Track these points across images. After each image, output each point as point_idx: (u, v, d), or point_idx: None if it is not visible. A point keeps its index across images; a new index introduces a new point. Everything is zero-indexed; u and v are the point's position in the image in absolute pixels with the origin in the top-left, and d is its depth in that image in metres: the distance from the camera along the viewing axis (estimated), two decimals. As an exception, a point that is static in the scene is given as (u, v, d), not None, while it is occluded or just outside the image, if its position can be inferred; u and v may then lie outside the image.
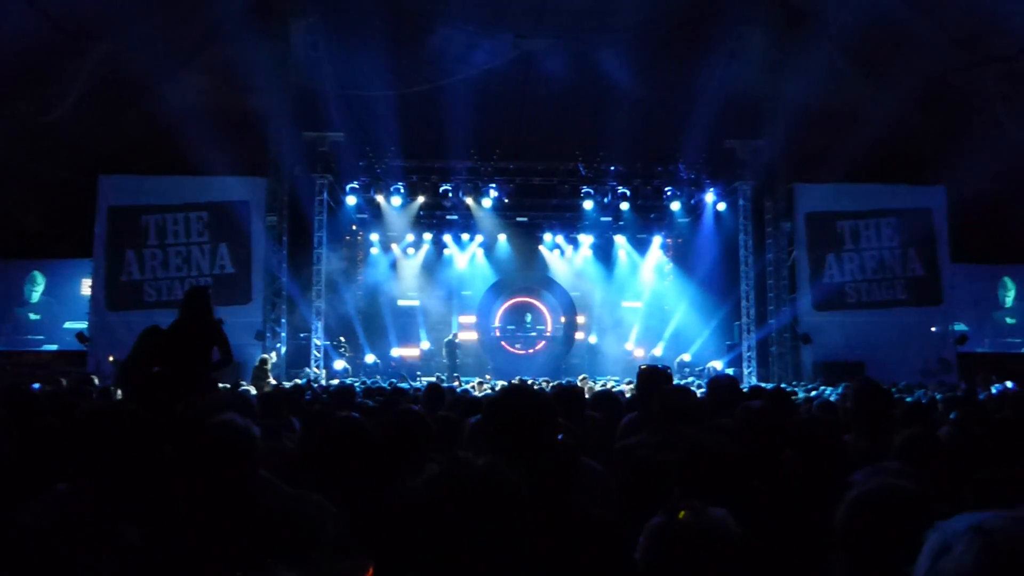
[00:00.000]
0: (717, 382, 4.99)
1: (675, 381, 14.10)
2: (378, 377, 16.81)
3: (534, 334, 22.65)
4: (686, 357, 19.93)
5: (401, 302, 22.07)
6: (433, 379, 15.04)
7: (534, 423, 2.38)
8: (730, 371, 17.88)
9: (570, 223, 21.75)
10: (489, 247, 22.22)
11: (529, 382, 11.37)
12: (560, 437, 2.92)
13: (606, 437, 4.02)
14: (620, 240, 22.34)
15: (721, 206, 19.34)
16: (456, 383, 12.80)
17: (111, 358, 15.03)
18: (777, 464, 3.17)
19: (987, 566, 1.09)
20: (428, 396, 6.16)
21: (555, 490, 2.27)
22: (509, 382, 4.09)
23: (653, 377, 4.32)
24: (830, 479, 2.43)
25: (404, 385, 12.25)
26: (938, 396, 8.26)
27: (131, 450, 2.54)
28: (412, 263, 22.12)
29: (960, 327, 18.66)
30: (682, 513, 1.81)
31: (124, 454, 2.51)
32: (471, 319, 22.66)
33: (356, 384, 13.22)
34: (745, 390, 7.09)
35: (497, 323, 22.89)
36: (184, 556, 2.25)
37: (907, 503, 1.83)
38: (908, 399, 8.36)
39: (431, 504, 1.68)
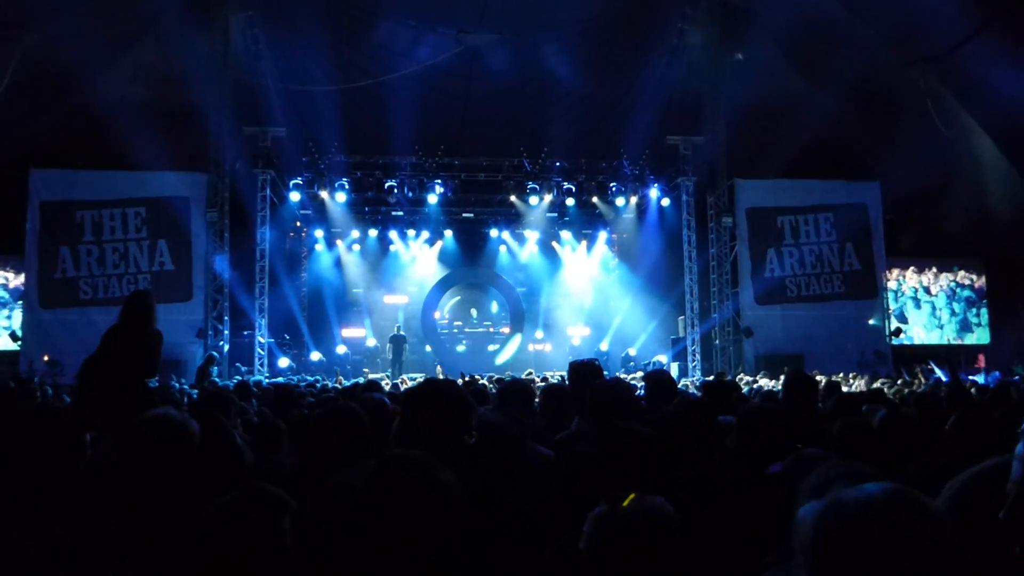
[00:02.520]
0: (652, 377, 5.11)
1: (621, 375, 14.23)
2: (323, 375, 16.66)
3: (481, 330, 22.63)
4: (632, 351, 20.09)
5: (345, 299, 21.98)
6: (379, 376, 15.04)
7: (447, 416, 2.45)
8: (675, 365, 18.24)
9: (516, 219, 21.80)
10: (435, 243, 22.21)
11: (477, 378, 11.42)
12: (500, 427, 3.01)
13: (556, 428, 4.09)
14: (566, 236, 22.49)
15: (665, 202, 19.54)
16: (401, 382, 12.68)
17: (45, 357, 14.68)
18: (709, 455, 3.30)
19: (816, 539, 1.21)
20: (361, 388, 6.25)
21: (481, 481, 2.32)
22: (439, 379, 4.12)
23: (583, 372, 4.38)
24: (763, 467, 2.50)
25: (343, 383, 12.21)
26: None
27: (59, 451, 2.52)
28: (357, 259, 22.03)
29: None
30: (626, 501, 1.86)
31: (52, 455, 2.50)
32: (417, 315, 22.60)
33: (297, 380, 13.14)
34: (682, 387, 7.10)
35: (444, 319, 22.85)
36: (111, 557, 2.26)
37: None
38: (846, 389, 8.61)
39: (368, 499, 1.76)
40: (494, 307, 23.28)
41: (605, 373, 4.82)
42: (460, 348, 22.23)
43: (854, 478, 1.77)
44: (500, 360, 21.56)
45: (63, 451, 2.53)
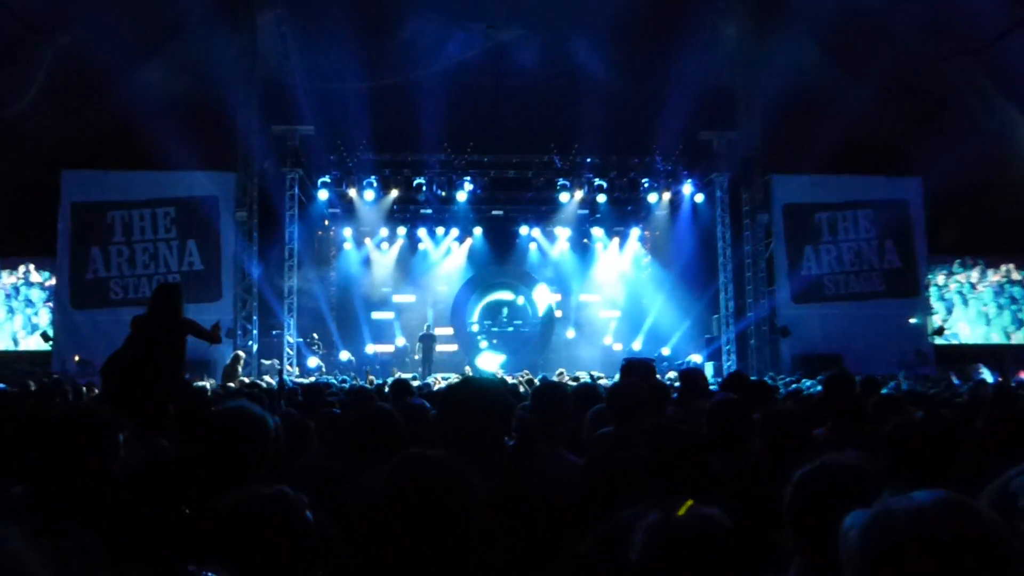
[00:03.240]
0: (686, 374, 5.19)
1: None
2: (352, 375, 16.76)
3: (511, 329, 22.68)
4: (665, 351, 20.00)
5: (375, 298, 22.08)
6: (409, 376, 15.09)
7: (484, 416, 2.43)
8: (709, 365, 18.11)
9: (546, 216, 21.79)
10: (464, 241, 22.25)
11: (508, 378, 11.44)
12: (522, 430, 3.11)
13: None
14: (598, 233, 22.43)
15: (699, 198, 19.42)
16: (435, 381, 12.70)
17: (76, 358, 14.91)
18: (742, 456, 3.29)
19: (865, 552, 1.19)
20: (394, 392, 6.20)
21: (512, 483, 2.33)
22: (479, 377, 4.13)
23: (636, 371, 4.32)
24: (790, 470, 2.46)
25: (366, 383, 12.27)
26: (910, 388, 8.34)
27: (93, 454, 2.49)
28: (386, 258, 22.10)
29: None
30: (682, 509, 1.83)
31: (86, 458, 2.46)
32: (447, 314, 22.67)
33: (332, 380, 13.23)
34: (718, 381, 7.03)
35: (474, 319, 22.90)
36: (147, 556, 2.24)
37: (850, 478, 1.92)
38: (884, 391, 8.52)
39: (384, 498, 1.77)
40: (524, 307, 23.21)
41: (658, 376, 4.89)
42: (483, 346, 22.31)
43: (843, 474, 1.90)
44: (531, 360, 21.45)
45: (96, 453, 2.49)
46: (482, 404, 2.48)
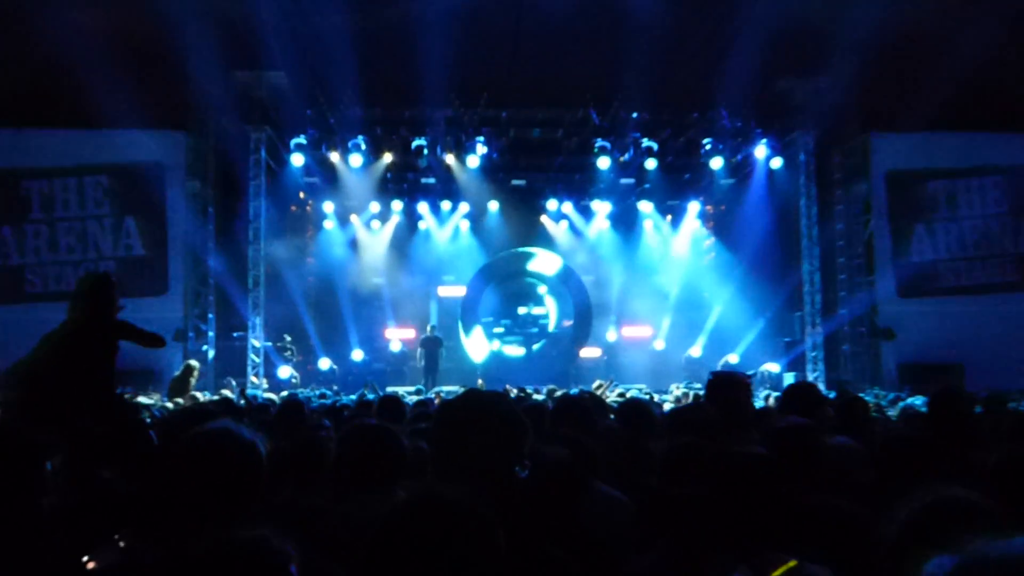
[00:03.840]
0: (793, 391, 5.26)
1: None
2: (334, 388, 16.87)
3: (535, 330, 22.83)
4: (733, 358, 19.98)
5: (363, 290, 22.24)
6: (409, 390, 15.28)
7: (494, 438, 2.47)
8: (789, 376, 18.12)
9: (580, 187, 21.85)
10: (477, 219, 22.31)
11: (529, 392, 11.64)
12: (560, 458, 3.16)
13: (632, 459, 4.21)
14: (646, 208, 22.46)
15: (776, 163, 19.40)
16: (436, 397, 12.79)
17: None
18: (815, 486, 3.32)
19: None
20: (381, 414, 6.22)
21: (520, 525, 2.31)
22: (483, 390, 4.16)
23: (727, 388, 4.57)
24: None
25: (371, 395, 12.30)
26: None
27: (13, 486, 2.54)
28: (378, 240, 22.20)
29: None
30: (780, 570, 1.90)
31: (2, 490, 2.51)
32: (454, 312, 22.83)
33: (310, 394, 13.33)
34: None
35: (488, 317, 22.98)
36: None
37: (967, 518, 1.99)
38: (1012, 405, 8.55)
39: (385, 542, 1.81)
40: (552, 301, 23.52)
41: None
42: (512, 353, 22.50)
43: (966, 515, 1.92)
44: (560, 369, 21.64)
45: (17, 485, 2.52)
46: (485, 424, 2.50)
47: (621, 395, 12.12)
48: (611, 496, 3.35)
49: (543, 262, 22.94)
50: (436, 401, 10.41)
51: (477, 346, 22.10)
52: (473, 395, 2.79)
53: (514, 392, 11.15)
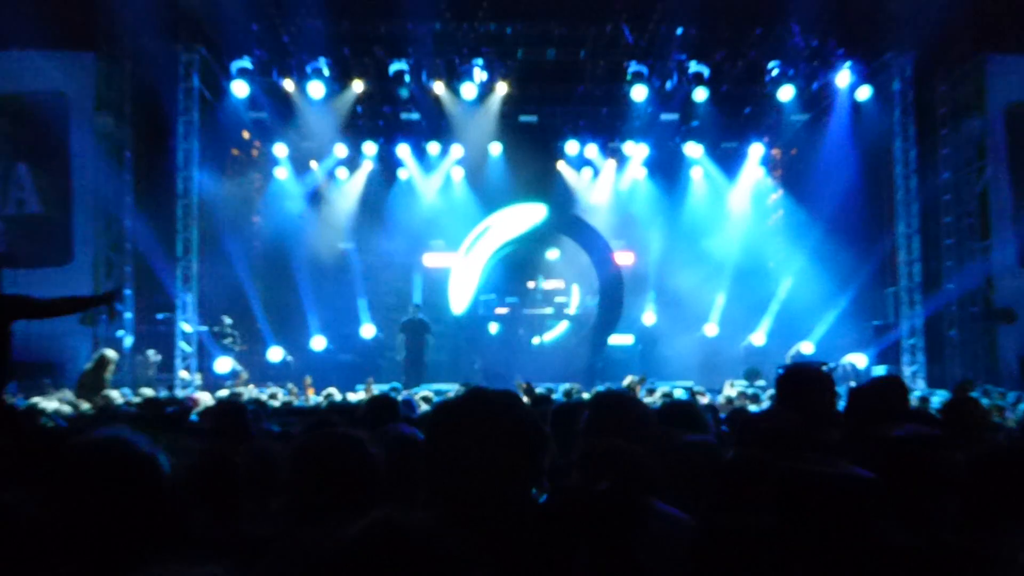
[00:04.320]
0: (863, 392, 5.22)
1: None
2: (290, 386, 16.68)
3: (549, 310, 22.73)
4: (806, 348, 20.02)
5: (326, 258, 22.35)
6: (385, 389, 15.05)
7: (495, 457, 2.53)
8: (879, 370, 18.03)
9: (609, 125, 21.81)
10: (474, 166, 22.32)
11: (544, 393, 11.24)
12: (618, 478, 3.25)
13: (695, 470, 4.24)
14: (694, 152, 22.34)
15: (863, 93, 19.30)
16: (422, 400, 12.56)
17: None
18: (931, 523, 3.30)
19: None
20: (371, 417, 6.38)
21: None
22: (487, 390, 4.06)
23: (805, 387, 4.48)
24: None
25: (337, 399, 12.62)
26: None
27: None
28: (345, 194, 22.32)
29: None
30: None
31: None
32: (442, 286, 22.71)
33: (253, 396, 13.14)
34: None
35: (488, 294, 22.92)
36: None
37: None
38: None
39: None
40: (571, 274, 23.28)
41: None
42: (492, 329, 22.62)
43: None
44: (582, 361, 21.62)
45: None
46: (493, 434, 2.58)
47: (666, 395, 12.33)
48: (673, 518, 3.38)
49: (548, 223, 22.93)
50: (420, 404, 10.56)
51: (474, 331, 22.11)
52: (477, 396, 2.79)
53: (527, 388, 10.83)
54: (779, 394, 4.99)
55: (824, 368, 4.99)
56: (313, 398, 14.82)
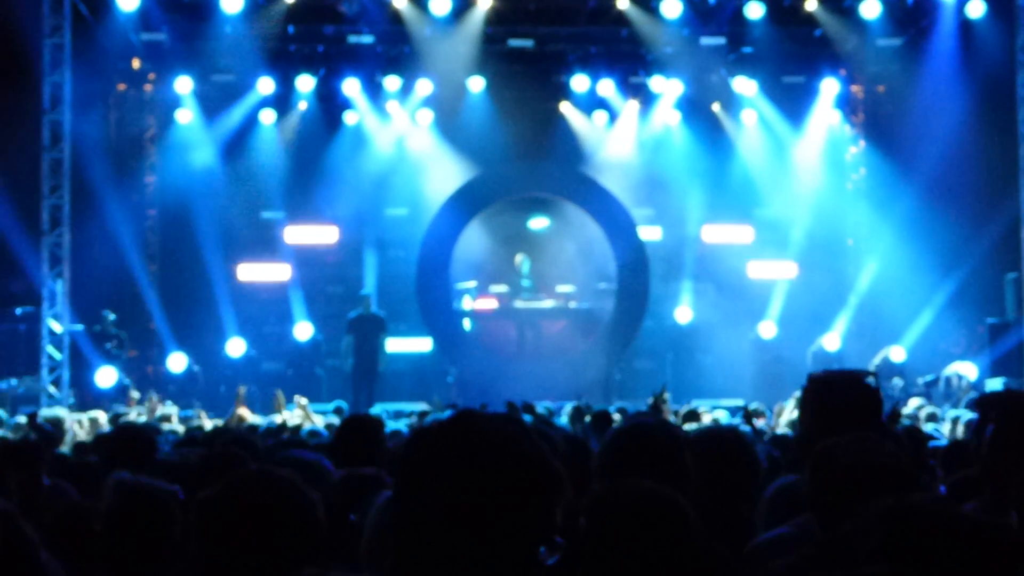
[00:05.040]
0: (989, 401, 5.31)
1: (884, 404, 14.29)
2: (196, 408, 16.68)
3: (547, 303, 22.87)
4: (896, 353, 20.06)
5: (246, 234, 22.33)
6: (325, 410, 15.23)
7: (491, 507, 2.42)
8: (995, 383, 17.87)
9: (629, 53, 21.86)
10: (448, 107, 22.37)
11: (542, 414, 11.47)
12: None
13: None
14: (745, 89, 22.36)
15: (975, 8, 19.24)
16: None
17: None
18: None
19: None
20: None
21: None
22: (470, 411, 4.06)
23: (835, 393, 4.52)
24: None
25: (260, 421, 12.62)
26: None
27: None
28: (272, 145, 22.34)
29: None
30: None
31: None
32: (407, 270, 22.76)
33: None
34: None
35: (468, 281, 23.05)
36: None
37: None
38: None
39: None
40: (575, 255, 23.33)
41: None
42: (504, 341, 22.66)
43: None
44: (591, 372, 21.53)
45: None
46: (489, 475, 2.45)
47: (692, 417, 12.70)
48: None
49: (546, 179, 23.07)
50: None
51: (447, 329, 22.17)
52: (469, 422, 2.60)
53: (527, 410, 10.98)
54: (805, 408, 4.99)
55: (869, 379, 4.94)
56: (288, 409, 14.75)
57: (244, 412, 14.05)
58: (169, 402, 16.91)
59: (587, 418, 11.37)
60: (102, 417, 13.00)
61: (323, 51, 21.86)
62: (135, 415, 14.17)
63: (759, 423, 12.57)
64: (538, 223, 23.27)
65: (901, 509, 2.78)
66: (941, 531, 2.69)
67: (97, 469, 7.14)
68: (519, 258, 23.00)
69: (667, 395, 14.05)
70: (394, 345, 21.25)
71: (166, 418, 13.74)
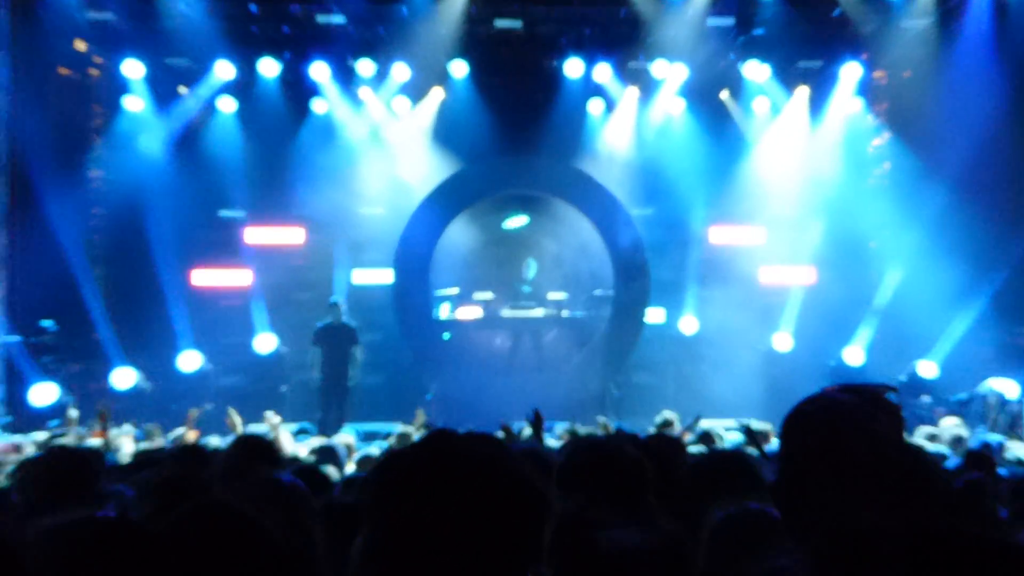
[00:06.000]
0: None
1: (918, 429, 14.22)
2: (148, 429, 16.50)
3: (538, 313, 22.84)
4: (928, 368, 20.08)
5: (204, 234, 22.27)
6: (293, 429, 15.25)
7: (473, 534, 2.54)
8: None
9: (629, 34, 21.71)
10: (426, 92, 22.38)
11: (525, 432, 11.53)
12: None
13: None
14: (756, 74, 22.34)
15: None
16: (347, 449, 12.47)
17: None
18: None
19: None
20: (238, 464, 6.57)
21: None
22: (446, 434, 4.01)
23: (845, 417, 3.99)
24: None
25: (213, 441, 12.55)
26: None
27: None
28: (231, 134, 22.26)
29: None
30: None
31: None
32: (386, 275, 22.77)
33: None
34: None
35: (448, 288, 23.11)
36: None
37: None
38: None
39: None
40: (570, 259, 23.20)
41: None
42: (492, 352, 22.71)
43: None
44: (588, 388, 21.49)
45: None
46: (470, 501, 2.58)
47: (705, 440, 12.48)
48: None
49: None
50: (348, 453, 11.05)
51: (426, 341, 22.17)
52: (445, 444, 2.77)
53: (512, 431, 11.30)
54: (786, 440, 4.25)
55: (890, 395, 4.60)
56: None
57: (193, 436, 14.01)
58: (126, 425, 16.86)
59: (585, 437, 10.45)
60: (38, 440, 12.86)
61: (289, 32, 21.77)
62: (73, 438, 13.87)
63: (768, 445, 12.25)
64: (517, 223, 23.25)
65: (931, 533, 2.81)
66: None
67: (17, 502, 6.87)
68: (527, 262, 23.20)
69: (700, 423, 14.31)
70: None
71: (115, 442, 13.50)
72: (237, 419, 14.47)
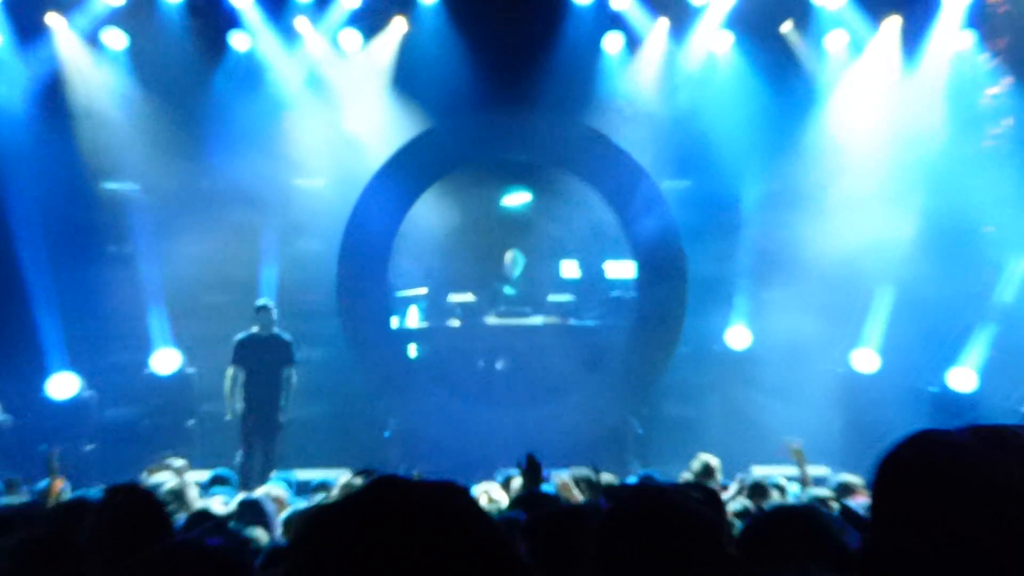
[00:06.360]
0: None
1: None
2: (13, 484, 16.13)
3: (535, 320, 22.46)
4: (960, 379, 19.96)
5: (85, 214, 21.60)
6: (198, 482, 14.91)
7: None
8: None
9: None
10: (385, 29, 21.90)
11: (513, 481, 12.32)
12: None
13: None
14: (830, 0, 21.69)
15: None
16: (276, 503, 12.48)
17: None
18: None
19: None
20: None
21: None
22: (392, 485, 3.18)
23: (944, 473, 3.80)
24: None
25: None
26: None
27: None
28: (120, 79, 21.74)
29: None
30: None
31: None
32: (327, 263, 22.17)
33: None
34: None
35: (415, 288, 22.88)
36: None
37: None
38: None
39: None
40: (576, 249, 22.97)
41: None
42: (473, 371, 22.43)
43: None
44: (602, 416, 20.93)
45: None
46: (428, 570, 2.67)
47: (752, 490, 12.78)
48: None
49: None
50: (277, 511, 11.21)
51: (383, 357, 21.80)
52: (390, 495, 2.80)
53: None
54: (878, 497, 4.01)
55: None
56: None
57: (58, 486, 13.61)
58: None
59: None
60: None
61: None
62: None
63: (853, 502, 11.65)
64: (518, 200, 22.53)
65: None
66: None
67: None
68: (510, 256, 23.06)
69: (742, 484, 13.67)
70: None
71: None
72: (57, 486, 13.78)
